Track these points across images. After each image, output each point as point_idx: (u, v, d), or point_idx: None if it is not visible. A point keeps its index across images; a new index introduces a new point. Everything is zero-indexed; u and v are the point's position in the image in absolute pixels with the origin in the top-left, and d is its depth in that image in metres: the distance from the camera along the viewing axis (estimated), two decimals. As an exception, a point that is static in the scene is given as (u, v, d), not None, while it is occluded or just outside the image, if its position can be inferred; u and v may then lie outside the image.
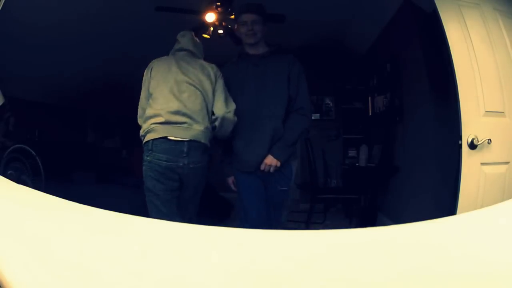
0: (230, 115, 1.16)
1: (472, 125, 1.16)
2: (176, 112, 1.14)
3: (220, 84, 1.17)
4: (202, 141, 1.16)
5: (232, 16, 1.24)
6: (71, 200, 0.91)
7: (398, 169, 1.33)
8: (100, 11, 1.27)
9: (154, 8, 1.24)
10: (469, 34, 1.18)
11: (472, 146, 1.15)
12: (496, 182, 1.19)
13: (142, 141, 1.18)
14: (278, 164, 1.15)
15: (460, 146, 1.15)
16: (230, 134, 1.19)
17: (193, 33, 1.21)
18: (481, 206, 1.13)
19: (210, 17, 1.24)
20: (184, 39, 1.20)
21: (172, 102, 1.14)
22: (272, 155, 1.15)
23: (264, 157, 1.16)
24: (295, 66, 1.16)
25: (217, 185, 1.36)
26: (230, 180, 1.24)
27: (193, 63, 1.18)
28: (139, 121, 1.19)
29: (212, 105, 1.17)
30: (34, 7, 1.33)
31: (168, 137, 1.14)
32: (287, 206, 1.25)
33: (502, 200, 1.13)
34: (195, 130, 1.15)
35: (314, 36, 1.34)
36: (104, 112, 1.39)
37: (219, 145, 1.23)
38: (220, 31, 1.25)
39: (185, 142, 1.15)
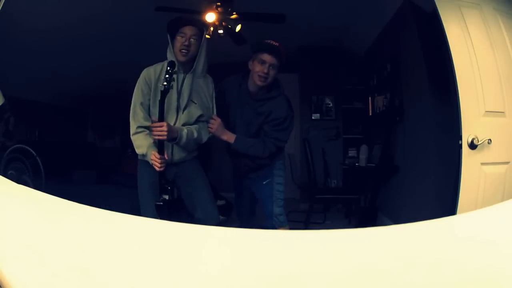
0: None
1: (472, 125, 1.16)
2: None
3: None
4: None
5: (233, 16, 1.24)
6: (71, 200, 0.91)
7: (398, 169, 1.33)
8: (101, 12, 1.27)
9: (154, 8, 1.24)
10: (469, 34, 1.18)
11: (472, 146, 1.15)
12: (496, 182, 1.19)
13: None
14: None
15: (460, 146, 1.15)
16: None
17: None
18: (481, 206, 1.13)
19: (210, 17, 1.24)
20: None
21: None
22: None
23: None
24: None
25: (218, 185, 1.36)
26: None
27: None
28: None
29: None
30: (35, 9, 1.33)
31: None
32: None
33: (502, 200, 1.13)
34: None
35: (314, 36, 1.34)
36: (105, 112, 1.39)
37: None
38: (220, 31, 1.25)
39: None
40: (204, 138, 1.18)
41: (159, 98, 1.15)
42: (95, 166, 1.36)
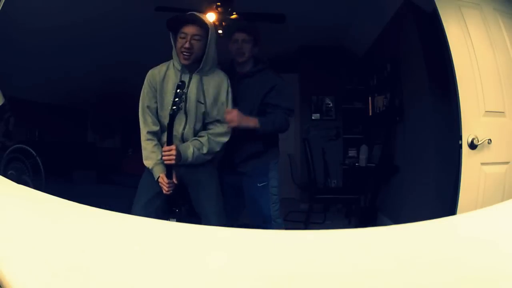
0: None
1: (472, 125, 1.16)
2: None
3: None
4: None
5: (233, 16, 1.24)
6: (71, 200, 0.91)
7: (398, 169, 1.33)
8: (102, 13, 1.27)
9: (154, 8, 1.24)
10: (469, 34, 1.18)
11: (472, 146, 1.15)
12: (496, 182, 1.19)
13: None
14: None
15: (460, 146, 1.15)
16: None
17: None
18: (481, 206, 1.13)
19: (210, 17, 1.24)
20: None
21: None
22: None
23: None
24: None
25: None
26: None
27: None
28: None
29: None
30: (35, 9, 1.33)
31: None
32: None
33: (502, 200, 1.13)
34: None
35: (314, 36, 1.34)
36: (105, 112, 1.40)
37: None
38: (220, 31, 1.25)
39: None
40: (217, 148, 1.14)
41: (166, 99, 1.12)
42: (95, 166, 1.36)
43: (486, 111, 1.19)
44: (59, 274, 0.64)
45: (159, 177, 1.14)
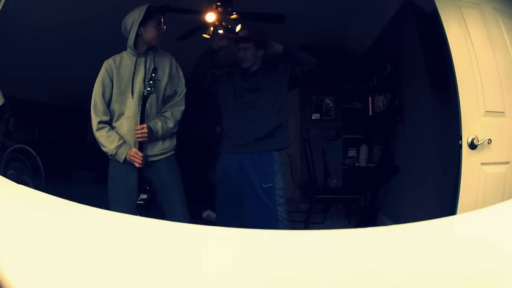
0: None
1: (472, 125, 1.16)
2: None
3: None
4: None
5: (233, 16, 1.25)
6: (71, 200, 0.91)
7: (398, 169, 1.33)
8: (101, 12, 1.27)
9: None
10: (469, 34, 1.18)
11: (472, 146, 1.15)
12: (496, 182, 1.19)
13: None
14: None
15: (460, 146, 1.15)
16: None
17: None
18: (481, 206, 1.13)
19: (210, 17, 1.24)
20: None
21: None
22: None
23: None
24: None
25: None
26: None
27: None
28: None
29: None
30: (35, 8, 1.33)
31: None
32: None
33: (502, 200, 1.13)
34: None
35: (314, 36, 1.34)
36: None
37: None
38: (220, 31, 1.25)
39: None
40: (179, 116, 1.22)
41: (124, 82, 1.20)
42: (95, 166, 1.36)
43: (486, 111, 1.19)
44: (59, 274, 0.64)
45: (125, 157, 1.19)
